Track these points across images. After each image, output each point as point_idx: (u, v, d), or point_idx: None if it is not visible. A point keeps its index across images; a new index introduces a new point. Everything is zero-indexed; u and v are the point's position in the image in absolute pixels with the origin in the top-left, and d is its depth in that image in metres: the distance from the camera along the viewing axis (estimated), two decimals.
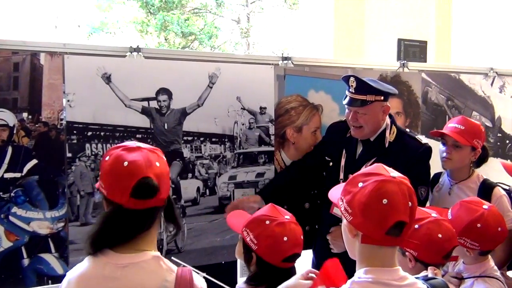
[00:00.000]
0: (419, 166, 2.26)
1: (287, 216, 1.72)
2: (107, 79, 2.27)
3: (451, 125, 2.39)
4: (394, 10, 6.78)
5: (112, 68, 2.27)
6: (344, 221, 1.21)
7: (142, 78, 2.35)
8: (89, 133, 2.27)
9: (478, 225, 1.79)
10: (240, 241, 1.80)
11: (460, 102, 3.32)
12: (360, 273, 1.17)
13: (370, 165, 2.34)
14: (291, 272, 1.68)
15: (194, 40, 11.99)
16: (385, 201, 1.12)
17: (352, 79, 2.24)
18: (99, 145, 2.29)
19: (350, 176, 2.22)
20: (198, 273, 1.41)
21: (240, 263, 2.64)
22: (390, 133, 2.34)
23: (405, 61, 3.12)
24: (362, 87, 2.22)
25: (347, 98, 2.29)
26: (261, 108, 2.64)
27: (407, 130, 2.44)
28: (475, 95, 3.38)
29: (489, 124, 3.43)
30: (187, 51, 2.43)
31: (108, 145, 2.31)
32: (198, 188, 2.51)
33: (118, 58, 2.34)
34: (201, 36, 12.16)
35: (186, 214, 2.49)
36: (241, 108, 2.59)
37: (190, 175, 2.49)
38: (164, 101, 2.40)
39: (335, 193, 1.32)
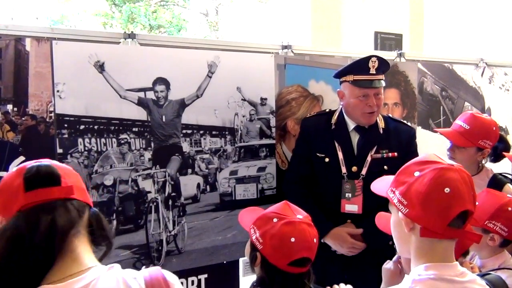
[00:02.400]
0: (414, 147, 2.33)
1: (300, 215, 1.54)
2: (100, 67, 2.08)
3: (457, 123, 2.31)
4: (370, 3, 6.77)
5: (105, 56, 2.08)
6: (399, 215, 1.10)
7: (137, 67, 2.17)
8: (82, 127, 2.07)
9: (509, 208, 1.74)
10: (249, 241, 1.65)
11: (453, 92, 3.30)
12: (419, 270, 1.07)
13: (375, 153, 2.30)
14: (303, 279, 1.51)
15: (164, 33, 11.65)
16: (447, 190, 1.03)
17: (374, 59, 2.17)
18: (93, 140, 2.10)
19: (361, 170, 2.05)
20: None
21: (242, 262, 2.51)
22: (379, 120, 2.31)
23: (402, 51, 3.06)
24: (383, 65, 2.20)
25: (365, 82, 2.17)
26: (261, 99, 2.51)
27: (388, 115, 2.45)
28: (467, 85, 3.37)
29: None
30: (185, 38, 2.27)
31: (103, 140, 2.12)
32: (198, 185, 2.36)
33: (111, 45, 2.15)
34: (171, 29, 11.83)
35: (186, 213, 2.33)
36: (242, 99, 2.45)
37: (189, 170, 2.33)
38: (161, 91, 2.23)
39: (380, 185, 1.22)
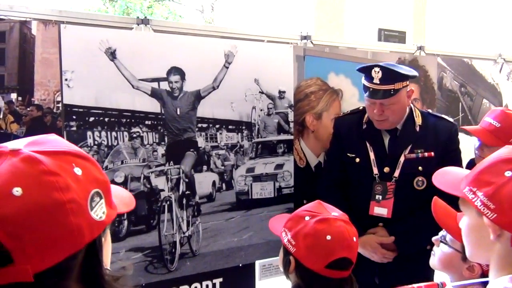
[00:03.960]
0: (456, 145, 2.13)
1: (335, 213, 1.39)
2: (112, 54, 1.92)
3: (487, 120, 2.17)
4: (374, 0, 6.66)
5: (117, 42, 1.92)
6: (484, 220, 0.95)
7: (151, 55, 2.01)
8: (91, 119, 1.91)
9: None
10: (282, 247, 1.49)
11: (472, 89, 3.18)
12: (504, 282, 0.92)
13: (409, 153, 2.16)
14: (347, 285, 1.34)
15: None
16: None
17: (376, 69, 1.95)
18: (103, 133, 1.94)
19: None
20: None
21: (258, 265, 2.37)
22: (416, 116, 2.14)
23: (422, 45, 2.93)
24: (389, 75, 1.94)
25: (369, 91, 1.99)
26: (280, 92, 2.36)
27: (429, 110, 2.30)
28: (486, 82, 3.26)
29: None
30: (202, 25, 2.12)
31: (114, 133, 1.96)
32: (213, 182, 2.21)
33: (124, 30, 1.99)
34: None
35: (201, 212, 2.18)
36: (259, 92, 2.30)
37: (205, 167, 2.18)
38: (176, 82, 2.08)
39: (447, 180, 1.06)
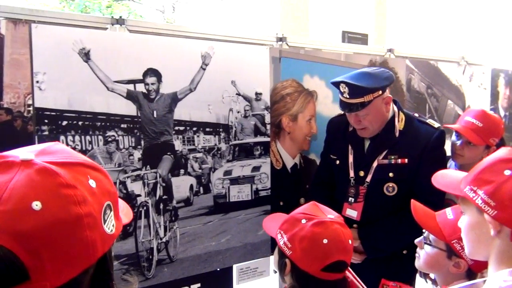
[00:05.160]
0: (435, 152, 2.06)
1: (331, 215, 1.41)
2: (85, 55, 1.84)
3: (468, 119, 2.22)
4: (337, 3, 6.78)
5: (91, 43, 1.85)
6: (485, 217, 0.98)
7: (126, 56, 1.95)
8: (64, 123, 1.83)
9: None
10: (277, 248, 1.50)
11: (438, 90, 3.29)
12: (504, 276, 0.95)
13: (382, 158, 2.19)
14: (341, 287, 1.37)
15: None
16: None
17: (343, 85, 1.95)
18: (77, 138, 1.86)
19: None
20: None
21: (236, 269, 2.34)
22: (398, 121, 2.14)
23: (391, 47, 3.00)
24: (356, 91, 1.94)
25: (342, 104, 2.01)
26: (256, 93, 2.35)
27: (416, 114, 2.21)
28: (450, 83, 3.37)
29: (461, 113, 3.44)
30: (178, 26, 2.07)
31: (88, 137, 1.89)
32: (191, 186, 2.17)
33: (98, 30, 1.92)
34: None
35: (178, 217, 2.13)
36: (236, 94, 2.28)
37: (182, 171, 2.14)
38: (152, 84, 2.02)
39: (447, 182, 1.10)
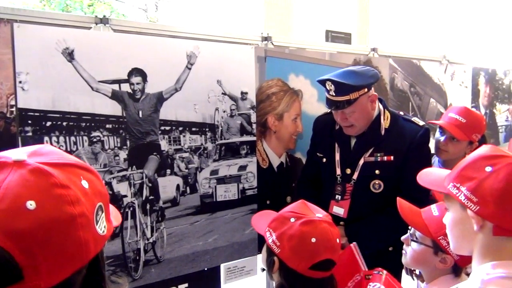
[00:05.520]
0: (420, 150, 2.09)
1: (320, 214, 1.42)
2: (69, 55, 1.82)
3: (452, 116, 2.27)
4: (320, 2, 6.81)
5: (75, 42, 1.83)
6: (468, 212, 1.01)
7: (111, 56, 1.93)
8: (48, 123, 1.80)
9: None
10: (265, 246, 1.51)
11: (420, 89, 3.34)
12: (487, 269, 0.98)
13: (368, 156, 2.22)
14: (328, 285, 1.38)
15: None
16: None
17: (329, 83, 1.98)
18: (61, 138, 1.84)
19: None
20: None
21: (223, 268, 2.34)
22: (384, 119, 2.17)
23: (375, 47, 3.03)
24: (342, 88, 1.97)
25: (328, 102, 2.03)
26: (242, 93, 2.35)
27: (401, 112, 2.25)
28: (432, 82, 3.42)
29: (443, 111, 3.49)
30: (163, 25, 2.06)
31: (72, 138, 1.87)
32: (177, 186, 2.16)
33: (82, 30, 1.90)
34: None
35: (165, 217, 2.12)
36: (222, 93, 2.28)
37: (168, 171, 2.13)
38: (137, 84, 2.01)
39: (432, 179, 1.12)
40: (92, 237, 0.61)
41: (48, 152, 0.64)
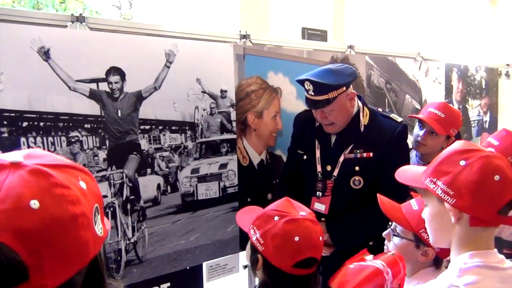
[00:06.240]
0: (399, 146, 2.13)
1: (303, 212, 1.43)
2: (45, 54, 1.79)
3: (431, 110, 2.33)
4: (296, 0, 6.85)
5: (50, 41, 1.80)
6: (445, 205, 1.04)
7: (88, 55, 1.90)
8: (24, 124, 1.77)
9: None
10: (249, 243, 1.52)
11: (396, 85, 3.40)
12: (464, 259, 1.03)
13: (348, 153, 2.25)
14: (309, 282, 1.40)
15: None
16: (497, 177, 1.01)
17: (307, 82, 2.00)
18: (38, 139, 1.81)
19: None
20: None
21: (206, 266, 2.34)
22: (363, 116, 2.21)
23: (351, 44, 3.07)
24: (321, 88, 1.99)
25: (307, 101, 2.06)
26: (221, 91, 2.35)
27: (379, 109, 2.29)
28: (408, 78, 3.49)
29: (418, 107, 3.57)
30: (140, 23, 2.02)
31: (50, 139, 1.83)
32: (158, 185, 2.15)
33: (58, 28, 1.86)
34: None
35: (146, 217, 2.11)
36: (202, 91, 2.27)
37: (149, 170, 2.11)
38: (116, 82, 1.99)
39: (409, 176, 1.16)
40: (91, 238, 0.62)
41: (42, 154, 0.65)
